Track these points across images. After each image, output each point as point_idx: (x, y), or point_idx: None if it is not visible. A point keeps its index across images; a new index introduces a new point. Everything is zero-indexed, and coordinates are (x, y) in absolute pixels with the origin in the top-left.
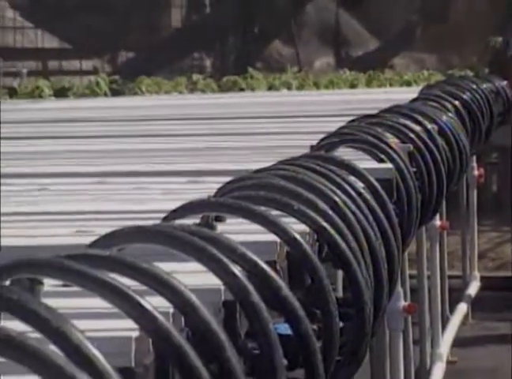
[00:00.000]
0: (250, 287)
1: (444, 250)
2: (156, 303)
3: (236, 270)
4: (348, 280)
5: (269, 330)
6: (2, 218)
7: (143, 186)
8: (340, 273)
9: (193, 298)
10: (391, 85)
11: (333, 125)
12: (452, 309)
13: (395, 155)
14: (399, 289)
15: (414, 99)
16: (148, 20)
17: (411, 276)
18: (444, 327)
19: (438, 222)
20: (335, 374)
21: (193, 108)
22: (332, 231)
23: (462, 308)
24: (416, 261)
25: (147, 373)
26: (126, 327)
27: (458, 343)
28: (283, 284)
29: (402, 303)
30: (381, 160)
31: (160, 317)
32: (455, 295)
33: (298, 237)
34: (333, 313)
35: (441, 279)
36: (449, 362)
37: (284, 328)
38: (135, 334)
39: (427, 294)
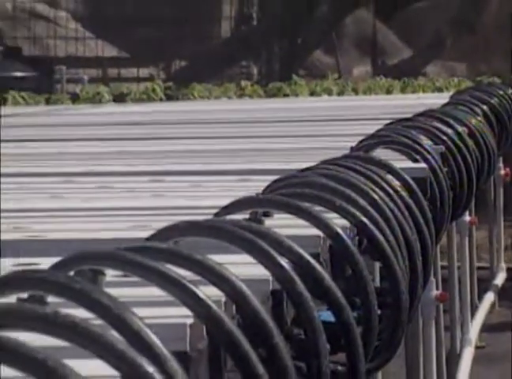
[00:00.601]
0: (296, 278)
1: (473, 243)
2: (210, 292)
3: (283, 262)
4: (386, 271)
5: (314, 317)
6: (69, 213)
7: (197, 184)
8: (377, 265)
9: (244, 287)
10: (424, 91)
11: (370, 128)
12: (480, 298)
13: (428, 156)
14: (432, 279)
15: (445, 104)
16: (200, 31)
17: (442, 267)
18: (473, 314)
19: (467, 217)
20: (374, 358)
21: (242, 112)
22: (371, 226)
23: (489, 297)
24: (447, 253)
25: (201, 357)
26: (182, 314)
27: (486, 329)
28: (326, 275)
29: (434, 292)
30: (415, 160)
31: (213, 305)
32: (483, 285)
33: (340, 231)
34: (372, 302)
35: (470, 270)
36: (477, 347)
37: (327, 316)
38: (190, 321)
39: (457, 283)
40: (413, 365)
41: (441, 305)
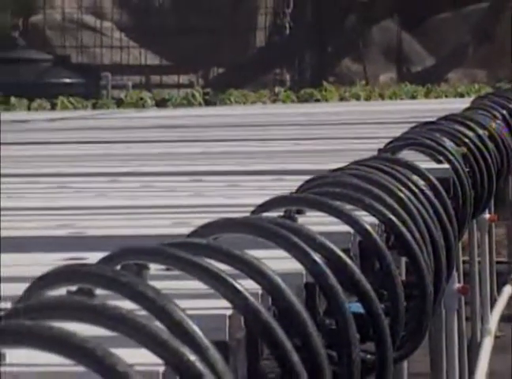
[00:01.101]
0: (328, 272)
1: (492, 239)
2: (247, 285)
3: (316, 257)
4: (412, 266)
5: (345, 309)
6: (114, 210)
7: (234, 184)
8: (403, 259)
9: (279, 280)
10: (446, 97)
11: (396, 131)
12: (499, 291)
13: (451, 157)
14: (454, 273)
15: (467, 109)
16: (237, 40)
17: (464, 262)
18: (492, 306)
19: (487, 215)
20: (400, 347)
21: (275, 116)
22: (398, 223)
23: (508, 290)
24: (468, 249)
25: (239, 346)
26: (221, 306)
27: (504, 319)
28: (356, 269)
29: (456, 285)
30: (439, 161)
31: (251, 298)
32: (501, 279)
33: (369, 228)
34: (399, 294)
35: (489, 264)
36: (496, 337)
37: (357, 307)
38: (229, 312)
39: (478, 277)
40: (437, 354)
41: (462, 298)
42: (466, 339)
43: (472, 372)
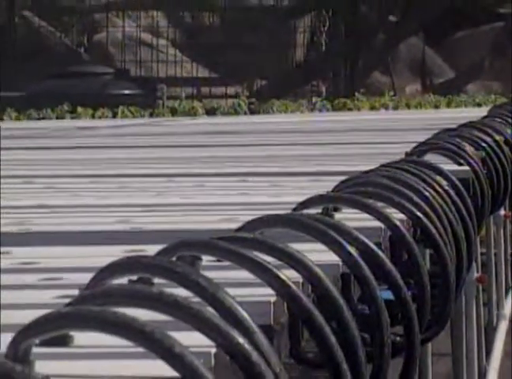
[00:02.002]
0: (362, 263)
1: (507, 233)
2: (290, 275)
3: (351, 249)
4: (436, 257)
5: (377, 296)
6: (169, 208)
7: (276, 184)
8: (427, 251)
9: (318, 270)
10: (466, 106)
11: (421, 137)
12: None
13: (471, 160)
14: (473, 263)
15: (484, 117)
16: (278, 55)
17: (481, 254)
18: (507, 293)
19: (502, 212)
20: (426, 330)
21: (312, 123)
22: (424, 219)
23: None
24: (485, 242)
25: (282, 329)
26: (266, 293)
27: None
28: (387, 260)
29: (475, 275)
30: (460, 164)
31: (293, 286)
32: None
33: (398, 223)
34: (425, 283)
35: (504, 256)
36: (511, 321)
37: (387, 294)
38: (273, 299)
39: (494, 267)
40: (457, 336)
41: (480, 286)
42: (483, 322)
43: (488, 352)
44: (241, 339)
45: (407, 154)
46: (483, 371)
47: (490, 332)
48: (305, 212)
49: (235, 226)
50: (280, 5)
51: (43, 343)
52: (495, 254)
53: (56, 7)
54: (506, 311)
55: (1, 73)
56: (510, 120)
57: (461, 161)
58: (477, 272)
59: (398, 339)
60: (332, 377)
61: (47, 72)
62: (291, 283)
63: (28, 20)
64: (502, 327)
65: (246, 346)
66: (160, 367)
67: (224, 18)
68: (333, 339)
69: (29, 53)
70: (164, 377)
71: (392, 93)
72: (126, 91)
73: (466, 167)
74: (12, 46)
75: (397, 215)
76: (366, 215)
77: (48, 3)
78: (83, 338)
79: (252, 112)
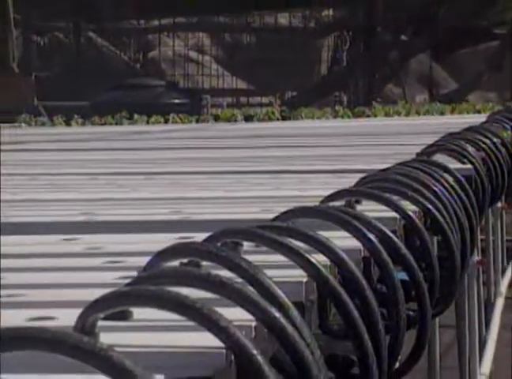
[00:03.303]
0: (381, 248)
1: (503, 223)
2: (319, 258)
3: (372, 236)
4: (444, 243)
5: (393, 277)
6: (214, 200)
7: (305, 180)
8: (435, 238)
9: (344, 255)
10: (467, 113)
11: (430, 139)
12: (508, 262)
13: (473, 160)
14: (474, 248)
15: (484, 122)
16: (306, 69)
17: (481, 240)
18: (503, 274)
19: (499, 204)
20: (436, 306)
21: (336, 128)
22: (433, 210)
23: None
24: (485, 230)
25: (312, 306)
26: (299, 274)
27: None
28: (402, 246)
29: (476, 258)
30: (463, 163)
31: (322, 268)
32: (510, 253)
33: (411, 214)
34: (435, 265)
35: (501, 242)
36: (506, 298)
37: (403, 275)
38: (305, 279)
39: (492, 252)
40: (461, 310)
41: (480, 268)
42: (483, 299)
43: (487, 324)
44: (277, 314)
45: (418, 154)
46: (483, 340)
47: (489, 307)
48: (331, 204)
49: (270, 216)
50: (307, 27)
51: (107, 318)
52: (493, 241)
53: (116, 29)
54: (502, 289)
55: (69, 85)
56: (505, 125)
57: (465, 160)
58: (478, 255)
59: (412, 313)
60: (355, 346)
61: (108, 84)
62: (320, 266)
63: (93, 40)
64: (499, 303)
65: (282, 320)
66: (209, 339)
67: (259, 38)
68: (356, 313)
69: (93, 68)
70: (212, 347)
71: (404, 102)
72: (176, 101)
73: (469, 166)
74: (78, 63)
75: (410, 207)
76: (383, 207)
77: (109, 26)
78: (141, 313)
79: (283, 118)
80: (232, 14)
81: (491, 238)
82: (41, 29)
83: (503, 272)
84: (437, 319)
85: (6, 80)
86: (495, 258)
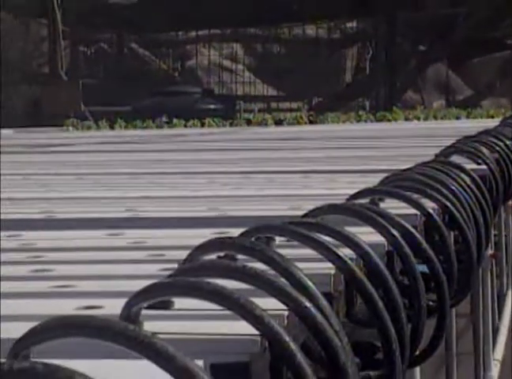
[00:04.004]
0: (403, 242)
1: None
2: (346, 252)
3: (394, 232)
4: (461, 237)
5: (415, 269)
6: (247, 198)
7: (332, 179)
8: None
9: (369, 249)
10: (481, 117)
11: (447, 142)
12: None
13: (487, 161)
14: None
15: (497, 126)
16: (332, 78)
17: (494, 235)
18: None
19: (511, 202)
20: (454, 296)
21: (359, 132)
22: (451, 207)
23: None
24: (498, 226)
25: (340, 296)
26: (327, 267)
27: None
28: (422, 240)
29: (490, 252)
30: (479, 163)
31: (348, 261)
32: None
33: (431, 211)
34: (453, 258)
35: None
36: None
37: (423, 268)
38: (333, 271)
39: (504, 246)
40: (476, 300)
41: (493, 261)
42: (496, 290)
43: (500, 313)
44: (308, 304)
45: (436, 156)
46: (496, 328)
47: (501, 297)
48: (356, 202)
49: (299, 213)
50: (333, 38)
51: (150, 307)
52: (505, 236)
53: (156, 40)
54: None
55: (113, 92)
56: None
57: (480, 161)
58: (491, 249)
59: (431, 303)
60: (379, 334)
61: (148, 91)
62: (347, 259)
63: (135, 50)
64: (511, 294)
65: (312, 309)
66: (244, 327)
67: (288, 48)
68: (380, 303)
69: (135, 76)
70: (247, 334)
71: (422, 107)
72: (211, 106)
73: (484, 166)
74: (121, 71)
75: (429, 205)
76: (405, 205)
77: (150, 37)
78: (181, 303)
79: (311, 122)
80: (263, 26)
81: (503, 233)
82: (87, 40)
83: None
84: (454, 308)
85: (55, 87)
86: (507, 252)
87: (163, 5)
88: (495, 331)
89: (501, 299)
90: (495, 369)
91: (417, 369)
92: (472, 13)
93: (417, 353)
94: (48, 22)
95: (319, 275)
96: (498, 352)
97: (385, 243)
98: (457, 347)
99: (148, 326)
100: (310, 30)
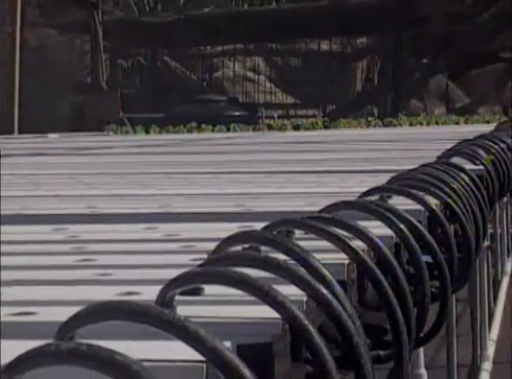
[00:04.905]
0: (409, 235)
1: (508, 214)
2: (358, 244)
3: (402, 226)
4: (461, 231)
5: (420, 259)
6: (270, 195)
7: (344, 178)
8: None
9: (379, 241)
10: (478, 123)
11: (448, 145)
12: None
13: (484, 162)
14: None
15: (492, 131)
16: (343, 88)
17: (490, 228)
18: (508, 257)
19: (505, 199)
20: (455, 283)
21: (369, 136)
22: (452, 204)
23: None
24: (493, 220)
25: (353, 283)
26: (341, 258)
27: None
28: (427, 233)
29: (486, 243)
30: (476, 164)
31: (360, 252)
32: None
33: (434, 207)
34: (454, 249)
35: (506, 230)
36: (511, 276)
37: (427, 258)
38: (346, 261)
39: (499, 238)
40: (473, 287)
41: (489, 251)
42: (492, 278)
43: (495, 298)
44: (324, 291)
45: (438, 157)
46: (492, 312)
47: (496, 284)
48: (367, 199)
49: (315, 208)
50: (345, 52)
51: (182, 293)
52: (500, 229)
53: (186, 54)
54: (508, 269)
55: (148, 100)
56: (510, 132)
57: (477, 162)
58: (487, 241)
59: (434, 290)
60: (388, 317)
61: (180, 99)
62: (359, 250)
63: (168, 63)
64: (505, 280)
65: (328, 295)
66: (267, 311)
67: (305, 61)
68: (389, 290)
69: (168, 86)
70: (270, 318)
71: (425, 114)
72: (236, 113)
73: (481, 167)
74: (155, 82)
75: (432, 201)
76: (411, 201)
77: (181, 51)
78: (210, 289)
79: (325, 127)
80: (282, 41)
81: (498, 226)
82: (125, 54)
83: (508, 255)
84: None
85: (97, 96)
86: (501, 243)
87: (193, 23)
88: (491, 314)
89: (496, 286)
90: (490, 348)
91: (421, 349)
92: (470, 32)
93: (422, 334)
94: (91, 38)
95: (334, 264)
96: (494, 333)
97: (394, 236)
98: (457, 328)
99: (181, 310)
100: (325, 45)
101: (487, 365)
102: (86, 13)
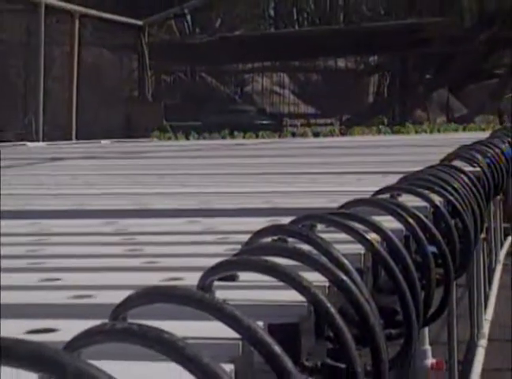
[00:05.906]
0: (417, 228)
1: (501, 210)
2: (373, 236)
3: (410, 220)
4: (461, 225)
5: (426, 249)
6: (294, 193)
7: (359, 179)
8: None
9: (391, 233)
10: (475, 130)
11: (449, 150)
12: (505, 239)
13: (481, 164)
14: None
15: (488, 138)
16: (357, 100)
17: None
18: (501, 247)
19: (498, 197)
20: (456, 270)
21: (379, 142)
22: (454, 201)
23: (509, 239)
24: (487, 215)
25: (368, 270)
26: (358, 248)
27: (509, 254)
28: (432, 226)
29: (482, 235)
30: (474, 167)
31: (375, 243)
32: (506, 232)
33: (438, 204)
34: (456, 240)
35: (499, 224)
36: (504, 264)
37: (433, 249)
38: (363, 251)
39: (493, 231)
40: (470, 273)
41: (484, 242)
42: (487, 265)
43: (490, 284)
44: (344, 277)
45: (441, 160)
46: (487, 296)
47: (491, 271)
48: (380, 196)
49: (335, 205)
50: (358, 68)
51: (220, 279)
52: (494, 223)
53: (221, 70)
54: (501, 258)
55: (187, 111)
56: (504, 139)
57: (475, 165)
58: (483, 234)
59: (439, 276)
60: (399, 300)
61: (215, 110)
62: (374, 242)
63: (204, 78)
64: (499, 268)
65: (348, 281)
66: (295, 295)
67: (324, 76)
68: (400, 276)
69: (204, 98)
70: (297, 301)
71: (428, 123)
72: (264, 122)
73: (478, 169)
74: (194, 95)
75: (437, 199)
76: (418, 199)
77: (216, 68)
78: (245, 276)
79: (342, 134)
80: (304, 60)
81: (492, 220)
82: (168, 71)
83: (501, 245)
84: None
85: (143, 107)
86: (495, 236)
87: (226, 44)
88: (486, 297)
89: (490, 272)
90: (486, 327)
91: (426, 328)
92: (467, 51)
93: (428, 315)
94: (138, 57)
95: (352, 254)
96: (489, 314)
97: (403, 229)
98: (457, 310)
99: (219, 294)
100: (341, 63)
101: (483, 342)
102: (134, 35)
